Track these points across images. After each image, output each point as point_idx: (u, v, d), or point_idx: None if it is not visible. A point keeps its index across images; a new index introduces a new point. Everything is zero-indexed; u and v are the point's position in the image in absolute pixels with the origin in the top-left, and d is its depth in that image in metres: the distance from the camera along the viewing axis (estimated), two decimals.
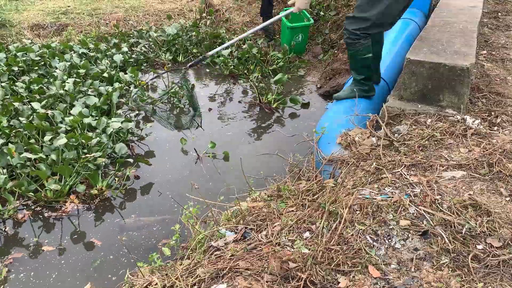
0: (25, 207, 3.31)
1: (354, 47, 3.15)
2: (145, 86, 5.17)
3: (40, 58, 5.41)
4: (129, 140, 4.16)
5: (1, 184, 3.29)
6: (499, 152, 2.39)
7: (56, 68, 5.16)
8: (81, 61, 5.37)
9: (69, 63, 5.23)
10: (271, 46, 6.29)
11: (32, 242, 3.03)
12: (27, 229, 3.14)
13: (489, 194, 2.12)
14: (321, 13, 6.71)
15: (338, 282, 1.68)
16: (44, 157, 3.50)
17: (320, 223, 2.01)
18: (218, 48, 4.28)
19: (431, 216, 1.95)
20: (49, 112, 4.04)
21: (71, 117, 3.98)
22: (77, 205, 3.33)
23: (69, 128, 3.92)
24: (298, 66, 5.90)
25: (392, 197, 2.09)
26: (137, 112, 4.61)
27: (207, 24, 6.76)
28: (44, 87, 4.61)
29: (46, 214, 3.27)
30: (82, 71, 5.04)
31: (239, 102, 4.92)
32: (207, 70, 5.77)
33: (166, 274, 1.92)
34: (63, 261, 2.88)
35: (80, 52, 5.67)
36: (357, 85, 3.39)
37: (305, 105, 4.94)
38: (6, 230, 3.13)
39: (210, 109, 4.78)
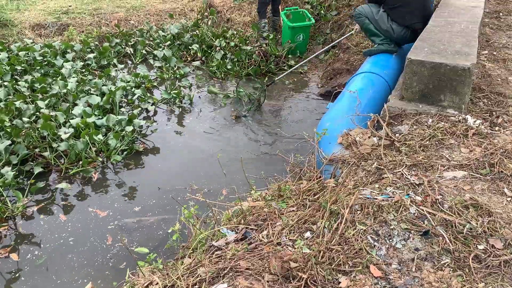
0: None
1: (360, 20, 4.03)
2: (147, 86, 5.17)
3: (42, 57, 5.42)
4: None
5: (9, 181, 3.30)
6: (500, 152, 2.39)
7: (68, 67, 5.18)
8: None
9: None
10: (270, 46, 6.28)
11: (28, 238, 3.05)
12: (27, 226, 3.15)
13: (490, 194, 2.11)
14: (322, 12, 6.70)
15: (339, 282, 1.68)
16: None
17: (321, 223, 2.01)
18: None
19: (432, 216, 1.95)
20: (52, 113, 4.06)
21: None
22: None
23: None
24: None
25: (393, 197, 2.09)
26: (140, 109, 4.64)
27: (209, 24, 6.75)
28: (47, 86, 4.61)
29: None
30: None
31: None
32: (209, 72, 5.76)
33: (167, 274, 1.92)
34: (61, 261, 2.89)
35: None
36: (380, 44, 4.03)
37: (305, 105, 4.93)
38: (16, 226, 3.15)
39: (199, 112, 4.80)
